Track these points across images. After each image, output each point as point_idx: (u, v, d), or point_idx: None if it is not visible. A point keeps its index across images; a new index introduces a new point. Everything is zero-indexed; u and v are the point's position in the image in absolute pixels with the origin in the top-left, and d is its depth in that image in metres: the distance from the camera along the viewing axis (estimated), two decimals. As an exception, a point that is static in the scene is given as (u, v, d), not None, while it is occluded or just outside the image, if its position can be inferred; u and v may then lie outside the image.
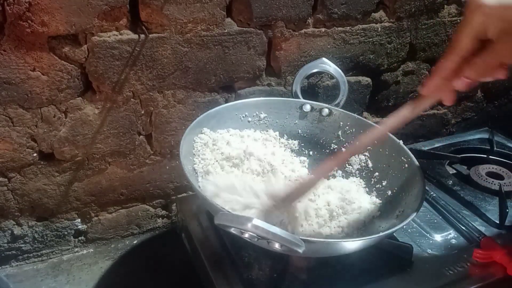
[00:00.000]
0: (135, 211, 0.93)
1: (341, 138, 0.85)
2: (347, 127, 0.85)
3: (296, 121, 0.87)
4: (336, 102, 0.89)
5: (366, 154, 0.81)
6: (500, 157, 1.01)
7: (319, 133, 0.87)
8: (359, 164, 0.82)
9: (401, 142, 0.76)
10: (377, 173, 0.79)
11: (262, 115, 0.85)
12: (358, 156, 0.82)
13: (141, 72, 0.79)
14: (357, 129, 0.83)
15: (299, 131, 0.87)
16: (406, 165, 0.74)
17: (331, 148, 0.86)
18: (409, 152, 0.74)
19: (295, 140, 0.86)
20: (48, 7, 0.67)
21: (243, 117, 0.83)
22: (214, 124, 0.79)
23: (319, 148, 0.86)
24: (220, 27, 0.81)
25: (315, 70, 0.90)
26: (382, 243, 0.67)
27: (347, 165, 0.83)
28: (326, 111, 0.86)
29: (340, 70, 0.88)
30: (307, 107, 0.87)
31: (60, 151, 0.79)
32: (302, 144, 0.86)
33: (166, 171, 0.91)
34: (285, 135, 0.86)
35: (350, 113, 0.86)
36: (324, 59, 0.89)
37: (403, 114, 0.62)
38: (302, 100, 0.88)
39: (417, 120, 1.17)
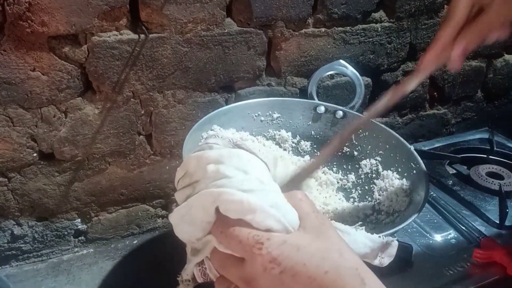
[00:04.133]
0: (135, 211, 0.93)
1: (354, 142, 0.84)
2: (360, 131, 0.83)
3: (310, 123, 0.86)
4: (352, 104, 0.88)
5: (378, 158, 0.80)
6: (500, 157, 1.01)
7: (332, 136, 0.85)
8: (370, 168, 0.81)
9: (412, 147, 0.75)
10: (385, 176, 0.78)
11: (275, 115, 0.84)
12: (369, 160, 0.81)
13: (141, 72, 0.79)
14: (370, 133, 0.82)
15: (312, 132, 0.86)
16: (415, 171, 0.73)
17: (344, 150, 0.84)
18: (419, 158, 0.73)
19: (307, 141, 0.85)
20: (48, 7, 0.67)
21: (255, 116, 0.83)
22: (225, 121, 0.79)
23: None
24: (220, 27, 0.81)
25: (332, 72, 0.89)
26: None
27: (358, 167, 0.83)
28: (340, 113, 0.85)
29: (357, 73, 0.87)
30: (322, 109, 0.86)
31: (60, 151, 0.79)
32: (315, 146, 0.85)
33: (166, 171, 0.91)
34: (297, 136, 0.85)
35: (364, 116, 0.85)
36: (341, 61, 0.88)
37: (400, 89, 0.61)
38: (316, 101, 0.87)
39: (417, 120, 1.17)
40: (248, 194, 0.36)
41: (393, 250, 0.47)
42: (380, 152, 0.80)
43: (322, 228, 0.37)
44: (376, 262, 0.46)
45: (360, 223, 0.68)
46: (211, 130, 0.76)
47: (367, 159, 0.81)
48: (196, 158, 0.41)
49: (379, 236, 0.46)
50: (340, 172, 0.83)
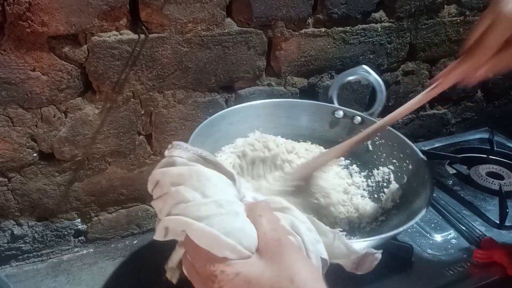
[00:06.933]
0: (135, 211, 0.93)
1: (370, 148, 0.83)
2: (376, 138, 0.83)
3: (327, 127, 0.85)
4: (371, 111, 0.87)
5: (391, 167, 0.80)
6: (500, 157, 1.02)
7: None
8: (382, 177, 0.81)
9: (425, 158, 0.75)
10: (396, 185, 0.78)
11: (292, 116, 0.83)
12: (382, 168, 0.81)
13: (141, 72, 0.79)
14: (386, 140, 0.81)
15: (329, 136, 0.85)
16: (423, 182, 0.72)
17: (359, 157, 0.84)
18: (429, 169, 0.73)
19: (322, 145, 0.85)
20: (48, 7, 0.67)
21: (271, 116, 0.82)
22: (240, 119, 0.79)
23: (346, 156, 0.84)
24: (220, 27, 0.81)
25: (354, 77, 0.88)
26: (382, 246, 0.67)
27: (370, 174, 0.83)
28: (358, 119, 0.84)
29: (379, 79, 0.86)
30: (340, 113, 0.85)
31: (60, 151, 0.79)
32: None
33: (166, 171, 0.90)
34: (314, 139, 0.85)
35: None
36: (364, 66, 0.87)
37: (416, 101, 0.67)
38: (335, 105, 0.86)
39: (417, 120, 1.17)
40: (202, 224, 0.37)
41: (372, 263, 0.46)
42: (394, 161, 0.79)
43: (277, 251, 0.37)
44: (350, 269, 0.46)
45: (340, 229, 0.68)
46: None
47: (381, 168, 0.81)
48: (160, 174, 0.42)
49: (359, 247, 0.46)
50: (351, 178, 0.82)
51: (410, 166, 0.76)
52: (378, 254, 0.46)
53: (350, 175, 0.83)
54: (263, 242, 0.38)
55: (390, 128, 0.82)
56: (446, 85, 0.63)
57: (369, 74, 0.86)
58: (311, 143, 0.85)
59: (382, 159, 0.81)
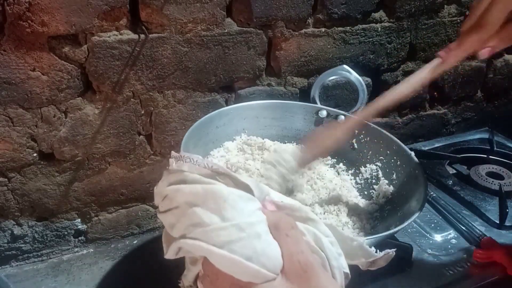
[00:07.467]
0: (135, 211, 0.93)
1: (355, 146, 0.84)
2: (361, 136, 0.83)
3: (312, 126, 0.86)
4: (354, 109, 0.88)
5: (378, 163, 0.80)
6: (500, 157, 1.02)
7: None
8: (370, 174, 0.81)
9: (412, 153, 0.75)
10: (386, 181, 0.78)
11: (277, 117, 0.84)
12: (370, 165, 0.81)
13: (141, 72, 0.79)
14: (372, 138, 0.82)
15: None
16: (414, 177, 0.72)
17: (345, 155, 0.84)
18: (419, 164, 0.73)
19: None
20: (48, 7, 0.67)
21: (257, 118, 0.83)
22: (227, 121, 0.79)
23: (332, 155, 0.85)
24: (220, 27, 0.81)
25: (335, 77, 0.89)
26: (382, 243, 0.67)
27: (358, 172, 0.83)
28: (342, 117, 0.85)
29: (360, 78, 0.87)
30: (323, 113, 0.86)
31: (60, 151, 0.79)
32: None
33: (166, 171, 0.90)
34: (299, 140, 0.85)
35: (366, 121, 0.85)
36: (345, 66, 0.88)
37: (421, 76, 0.65)
38: (319, 105, 0.87)
39: (417, 120, 1.17)
40: (224, 251, 0.36)
41: (387, 260, 0.47)
42: (381, 158, 0.80)
43: (304, 275, 0.36)
44: (365, 268, 0.47)
45: (361, 233, 0.68)
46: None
47: (368, 165, 0.81)
48: (170, 191, 0.40)
49: (376, 251, 0.46)
50: (339, 176, 0.83)
51: (399, 162, 0.77)
52: (392, 252, 0.47)
53: (337, 173, 0.83)
54: (289, 264, 0.37)
55: (375, 126, 0.83)
56: (452, 62, 0.61)
57: (350, 73, 0.87)
58: (297, 144, 0.85)
59: (369, 157, 0.82)
